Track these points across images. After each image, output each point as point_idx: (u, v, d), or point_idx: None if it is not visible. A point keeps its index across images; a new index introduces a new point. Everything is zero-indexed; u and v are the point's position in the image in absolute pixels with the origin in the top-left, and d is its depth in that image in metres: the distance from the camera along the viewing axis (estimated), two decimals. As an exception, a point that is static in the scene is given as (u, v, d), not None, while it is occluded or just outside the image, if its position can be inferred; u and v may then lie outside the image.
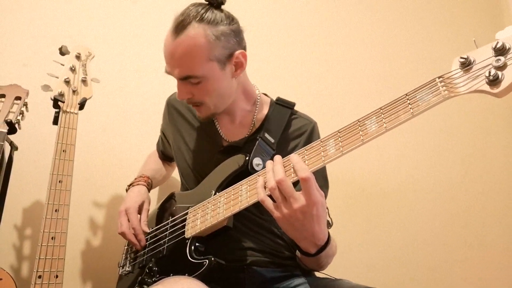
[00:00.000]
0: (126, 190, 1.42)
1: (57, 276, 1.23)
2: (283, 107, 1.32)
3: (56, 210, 1.27)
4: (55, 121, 1.38)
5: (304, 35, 2.05)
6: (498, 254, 2.10)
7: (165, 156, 1.61)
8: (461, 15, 2.26)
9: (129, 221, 1.29)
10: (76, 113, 1.40)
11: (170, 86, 1.28)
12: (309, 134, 1.30)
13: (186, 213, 1.16)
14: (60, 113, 1.38)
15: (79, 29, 1.90)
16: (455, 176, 2.14)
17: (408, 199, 2.09)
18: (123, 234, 1.28)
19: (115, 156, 1.85)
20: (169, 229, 1.21)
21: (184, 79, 1.15)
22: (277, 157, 0.98)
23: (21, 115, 1.46)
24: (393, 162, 2.07)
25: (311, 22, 2.14)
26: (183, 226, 1.14)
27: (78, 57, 1.45)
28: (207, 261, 1.05)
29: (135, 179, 1.44)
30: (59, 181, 1.30)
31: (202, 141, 1.31)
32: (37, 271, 1.21)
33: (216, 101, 1.21)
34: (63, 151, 1.33)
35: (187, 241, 1.11)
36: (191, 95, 1.17)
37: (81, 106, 1.42)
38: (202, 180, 1.24)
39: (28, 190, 1.74)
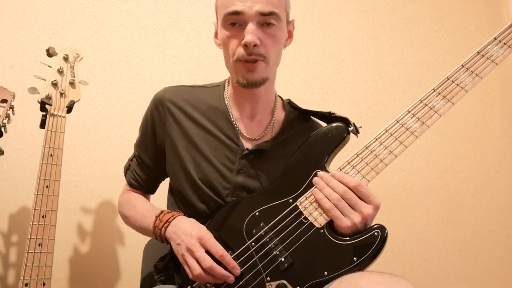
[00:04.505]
0: (159, 234, 1.09)
1: (44, 284, 1.20)
2: (295, 109, 1.27)
3: (43, 216, 1.24)
4: (42, 125, 1.34)
5: (308, 36, 2.05)
6: (495, 254, 2.11)
7: (149, 187, 1.33)
8: (460, 15, 2.27)
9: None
10: (63, 116, 1.36)
11: (162, 87, 1.25)
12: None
13: (295, 209, 1.01)
14: (48, 116, 1.34)
15: (67, 29, 1.87)
16: (451, 177, 2.15)
17: (404, 200, 2.08)
18: (210, 270, 0.96)
19: (103, 160, 1.83)
20: (275, 236, 0.99)
21: (265, 16, 1.05)
22: (324, 173, 0.99)
23: (7, 119, 1.43)
24: (393, 168, 2.07)
25: (314, 23, 2.14)
26: (301, 223, 0.98)
27: (66, 58, 1.42)
28: (378, 231, 0.91)
29: (163, 213, 1.11)
30: (47, 186, 1.26)
31: (218, 144, 1.16)
32: (23, 279, 1.18)
33: (273, 61, 1.12)
34: (51, 155, 1.30)
35: (322, 230, 0.96)
36: (259, 42, 1.05)
37: (69, 109, 1.38)
38: (217, 191, 1.12)
39: (15, 195, 1.71)
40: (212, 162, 1.14)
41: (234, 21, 1.07)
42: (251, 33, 1.03)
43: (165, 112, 1.20)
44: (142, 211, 1.21)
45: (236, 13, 1.04)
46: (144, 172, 1.29)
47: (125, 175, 1.33)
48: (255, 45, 1.04)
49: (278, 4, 1.08)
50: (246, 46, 1.05)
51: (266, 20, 1.06)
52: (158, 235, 1.09)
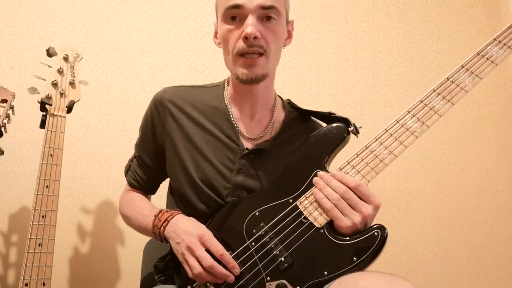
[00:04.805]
0: (158, 233, 1.09)
1: (44, 284, 1.20)
2: (295, 109, 1.27)
3: (43, 216, 1.24)
4: (42, 125, 1.34)
5: (307, 36, 2.05)
6: (496, 254, 2.11)
7: (150, 187, 1.33)
8: (460, 15, 2.27)
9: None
10: (63, 116, 1.36)
11: (162, 87, 1.25)
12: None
13: (295, 209, 1.00)
14: (48, 116, 1.34)
15: (67, 30, 1.87)
16: (451, 176, 2.15)
17: (404, 199, 2.08)
18: (210, 268, 0.96)
19: (103, 160, 1.83)
20: (275, 235, 0.99)
21: (265, 9, 1.05)
22: (324, 173, 0.99)
23: (7, 119, 1.43)
24: (393, 168, 2.08)
25: (314, 23, 2.14)
26: (301, 223, 0.98)
27: (66, 58, 1.42)
28: (378, 231, 0.91)
29: (162, 212, 1.11)
30: (47, 186, 1.26)
31: (218, 144, 1.16)
32: (23, 279, 1.18)
33: (273, 56, 1.11)
34: (51, 155, 1.30)
35: (322, 230, 0.96)
36: (259, 34, 1.05)
37: (69, 109, 1.38)
38: (217, 191, 1.12)
39: (15, 195, 1.71)
40: (212, 162, 1.14)
41: (234, 15, 1.07)
42: (251, 25, 1.04)
43: (165, 112, 1.20)
44: (142, 211, 1.21)
45: (236, 6, 1.05)
46: (144, 173, 1.28)
47: (125, 175, 1.33)
48: (255, 37, 1.04)
49: (279, 0, 1.09)
50: (246, 38, 1.05)
51: (266, 14, 1.06)
52: (158, 234, 1.09)
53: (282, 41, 1.14)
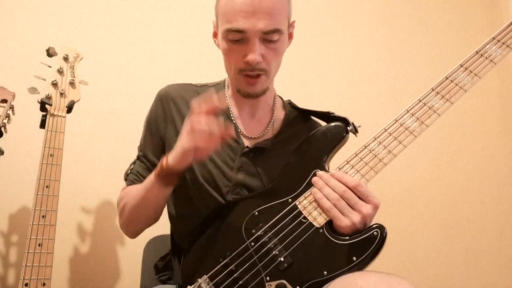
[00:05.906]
0: (165, 170, 1.04)
1: (44, 284, 1.20)
2: (295, 109, 1.27)
3: (43, 216, 1.23)
4: (42, 125, 1.34)
5: (307, 35, 2.05)
6: (496, 254, 2.11)
7: None
8: (459, 14, 2.27)
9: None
10: (63, 116, 1.36)
11: (161, 87, 1.25)
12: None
13: (294, 208, 1.00)
14: (48, 116, 1.34)
15: (67, 30, 1.87)
16: (450, 176, 2.14)
17: (404, 199, 2.08)
18: (200, 135, 0.95)
19: (103, 160, 1.83)
20: (274, 235, 0.99)
21: (268, 34, 1.03)
22: (323, 173, 0.99)
23: (7, 119, 1.43)
24: (392, 167, 2.08)
25: (313, 22, 2.14)
26: (300, 223, 0.98)
27: (66, 58, 1.42)
28: (378, 231, 0.91)
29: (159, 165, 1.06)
30: (46, 186, 1.26)
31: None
32: (23, 279, 1.18)
33: (274, 72, 1.13)
34: (51, 155, 1.30)
35: (321, 229, 0.96)
36: (261, 59, 1.05)
37: (69, 109, 1.39)
38: (218, 189, 1.12)
39: (15, 195, 1.71)
40: (213, 160, 1.14)
41: (236, 38, 1.05)
42: (254, 52, 1.03)
43: (169, 107, 1.21)
44: (137, 186, 1.17)
45: (238, 31, 1.03)
46: (148, 173, 1.22)
47: (125, 180, 1.28)
48: (257, 62, 1.05)
49: (281, 17, 1.06)
50: (248, 63, 1.05)
51: (269, 37, 1.04)
52: (165, 173, 1.04)
53: (283, 54, 1.13)
